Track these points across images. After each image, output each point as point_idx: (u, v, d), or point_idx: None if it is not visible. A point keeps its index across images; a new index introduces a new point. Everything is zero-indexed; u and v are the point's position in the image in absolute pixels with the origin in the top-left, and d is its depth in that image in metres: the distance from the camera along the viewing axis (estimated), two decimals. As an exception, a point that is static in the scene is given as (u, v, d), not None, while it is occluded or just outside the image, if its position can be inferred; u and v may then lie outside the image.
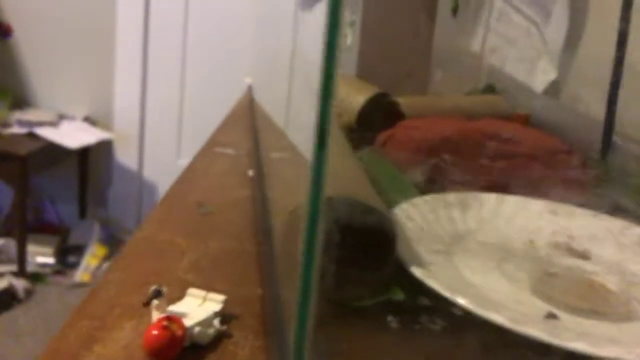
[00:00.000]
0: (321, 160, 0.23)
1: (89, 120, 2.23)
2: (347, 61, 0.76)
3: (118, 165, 2.30)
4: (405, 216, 0.43)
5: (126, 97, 2.23)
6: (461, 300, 0.32)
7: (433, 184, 0.53)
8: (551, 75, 0.78)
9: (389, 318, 0.34)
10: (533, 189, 0.53)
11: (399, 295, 0.34)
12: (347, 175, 0.39)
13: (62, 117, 2.15)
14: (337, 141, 0.45)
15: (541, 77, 0.81)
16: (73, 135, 2.08)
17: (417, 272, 0.34)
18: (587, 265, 0.42)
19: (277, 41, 0.71)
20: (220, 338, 0.33)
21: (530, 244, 0.45)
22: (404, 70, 0.79)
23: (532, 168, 0.57)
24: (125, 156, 2.30)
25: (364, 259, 0.33)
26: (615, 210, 0.49)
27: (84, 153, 2.20)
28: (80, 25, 2.17)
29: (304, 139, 0.30)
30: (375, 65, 0.78)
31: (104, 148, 2.26)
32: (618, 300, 0.38)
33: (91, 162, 2.26)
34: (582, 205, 0.50)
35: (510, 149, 0.59)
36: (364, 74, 0.79)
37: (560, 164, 0.58)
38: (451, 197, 0.48)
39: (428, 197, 0.48)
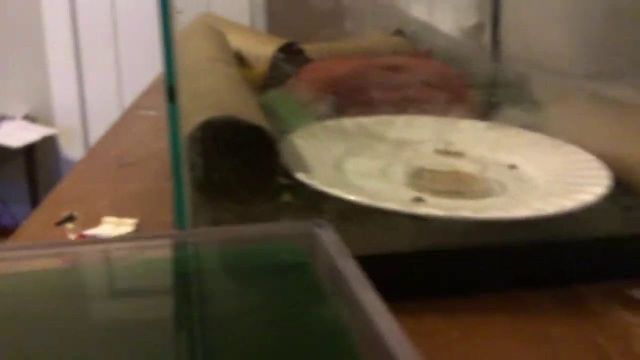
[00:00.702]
0: (174, 112, 0.29)
1: (29, 118, 2.22)
2: (257, 17, 0.81)
3: (65, 160, 2.30)
4: (301, 138, 0.48)
5: (64, 91, 2.22)
6: (338, 193, 0.37)
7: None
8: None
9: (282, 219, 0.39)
10: (426, 111, 0.59)
11: (286, 198, 0.39)
12: (234, 103, 0.43)
13: (1, 117, 2.14)
14: (229, 78, 0.49)
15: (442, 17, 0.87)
16: (15, 134, 2.07)
17: (300, 175, 0.39)
18: (457, 162, 0.47)
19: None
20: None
21: (415, 153, 0.50)
22: (315, 23, 0.83)
23: (426, 93, 0.63)
24: (71, 151, 2.29)
25: (247, 167, 0.38)
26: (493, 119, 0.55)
27: (29, 152, 2.18)
28: (7, 24, 2.15)
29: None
30: (286, 18, 0.83)
31: (49, 145, 2.25)
32: (478, 183, 0.44)
33: (38, 160, 2.25)
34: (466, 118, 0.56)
35: (407, 79, 0.65)
36: (275, 29, 0.84)
37: (450, 87, 0.64)
38: (346, 121, 0.54)
39: (327, 123, 0.53)
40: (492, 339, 0.31)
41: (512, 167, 0.47)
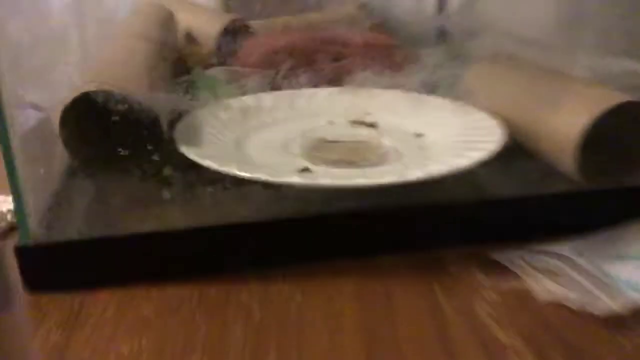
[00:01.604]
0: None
1: None
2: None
3: None
4: (209, 114, 0.49)
5: None
6: (207, 163, 0.37)
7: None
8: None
9: (164, 192, 0.39)
10: (361, 83, 0.60)
11: (167, 172, 0.40)
12: (119, 77, 0.43)
13: None
14: (131, 53, 0.50)
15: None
16: None
17: (184, 150, 0.40)
18: (362, 132, 0.48)
19: None
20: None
21: (329, 124, 0.51)
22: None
23: (362, 65, 0.63)
24: None
25: (123, 141, 0.39)
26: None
27: None
28: None
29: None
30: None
31: None
32: (374, 152, 0.44)
33: None
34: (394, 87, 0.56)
35: (345, 51, 0.65)
36: (236, 7, 0.84)
37: (387, 57, 0.64)
38: (264, 96, 0.54)
39: (244, 98, 0.53)
40: (333, 302, 0.32)
41: (419, 135, 0.48)
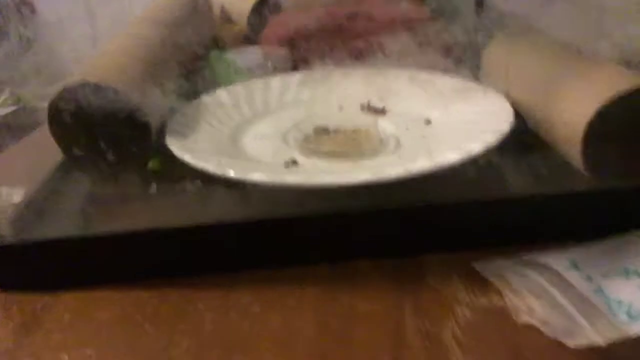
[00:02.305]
0: None
1: None
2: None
3: None
4: (216, 102, 0.47)
5: None
6: (187, 159, 0.36)
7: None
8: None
9: (152, 185, 0.38)
10: (389, 60, 0.56)
11: (154, 165, 0.39)
12: (108, 67, 0.42)
13: None
14: (134, 40, 0.49)
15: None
16: None
17: (169, 142, 0.38)
18: (366, 119, 0.44)
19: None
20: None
21: (339, 110, 0.48)
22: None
23: (390, 40, 0.59)
24: None
25: (110, 134, 0.38)
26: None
27: None
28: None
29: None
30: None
31: None
32: (372, 142, 0.41)
33: None
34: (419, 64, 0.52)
35: (370, 26, 0.61)
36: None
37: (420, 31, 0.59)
38: (273, 81, 0.52)
39: (251, 82, 0.51)
40: (290, 316, 0.29)
41: (428, 121, 0.44)
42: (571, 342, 0.25)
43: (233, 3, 0.75)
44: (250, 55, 0.61)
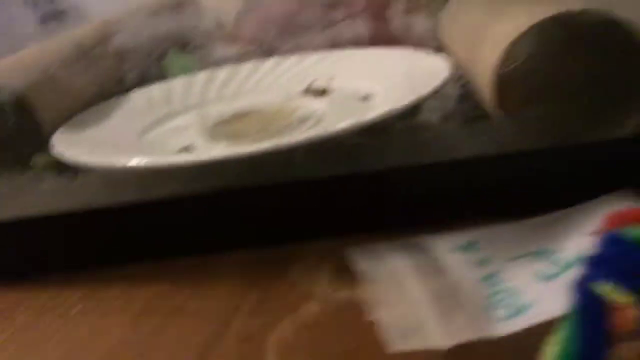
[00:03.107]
0: None
1: None
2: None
3: None
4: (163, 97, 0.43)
5: None
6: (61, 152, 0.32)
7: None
8: None
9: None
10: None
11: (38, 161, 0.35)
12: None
13: None
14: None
15: None
16: None
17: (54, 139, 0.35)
18: (305, 101, 0.39)
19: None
20: None
21: (284, 95, 0.42)
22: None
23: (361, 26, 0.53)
24: None
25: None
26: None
27: None
28: None
29: None
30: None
31: None
32: (285, 121, 0.35)
33: None
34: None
35: (341, 14, 0.56)
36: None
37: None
38: (213, 72, 0.47)
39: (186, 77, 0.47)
40: (114, 314, 0.24)
41: (366, 97, 0.38)
42: (403, 345, 0.18)
43: (221, 6, 0.72)
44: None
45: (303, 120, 0.36)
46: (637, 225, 0.15)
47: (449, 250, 0.22)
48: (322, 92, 0.41)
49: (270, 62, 0.48)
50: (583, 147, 0.23)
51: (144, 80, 0.43)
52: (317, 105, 0.38)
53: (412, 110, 0.33)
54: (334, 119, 0.34)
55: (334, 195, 0.26)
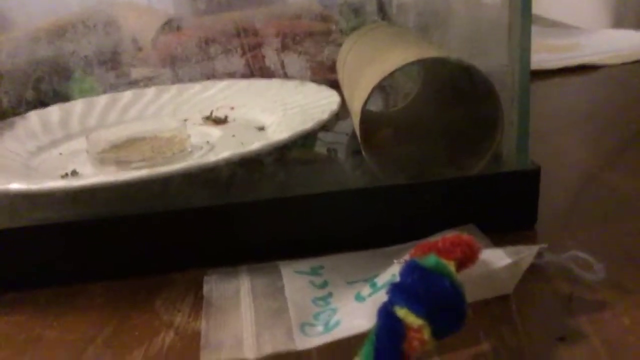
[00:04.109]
0: None
1: None
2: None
3: None
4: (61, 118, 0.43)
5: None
6: None
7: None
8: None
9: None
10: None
11: None
12: None
13: None
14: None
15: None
16: None
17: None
18: (202, 129, 0.39)
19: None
20: None
21: (182, 123, 0.42)
22: None
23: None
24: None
25: None
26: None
27: None
28: None
29: None
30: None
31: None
32: (176, 148, 0.35)
33: None
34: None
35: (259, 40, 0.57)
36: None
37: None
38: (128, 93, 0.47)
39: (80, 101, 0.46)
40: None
41: (261, 128, 0.38)
42: (214, 355, 0.19)
43: (142, 29, 0.72)
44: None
45: (196, 147, 0.36)
46: (436, 254, 0.16)
47: (295, 273, 0.23)
48: (222, 121, 0.41)
49: (173, 88, 0.48)
50: (431, 185, 0.24)
51: (21, 103, 0.42)
52: (214, 133, 0.39)
53: (306, 142, 0.34)
54: (225, 148, 0.35)
55: (202, 226, 0.26)
